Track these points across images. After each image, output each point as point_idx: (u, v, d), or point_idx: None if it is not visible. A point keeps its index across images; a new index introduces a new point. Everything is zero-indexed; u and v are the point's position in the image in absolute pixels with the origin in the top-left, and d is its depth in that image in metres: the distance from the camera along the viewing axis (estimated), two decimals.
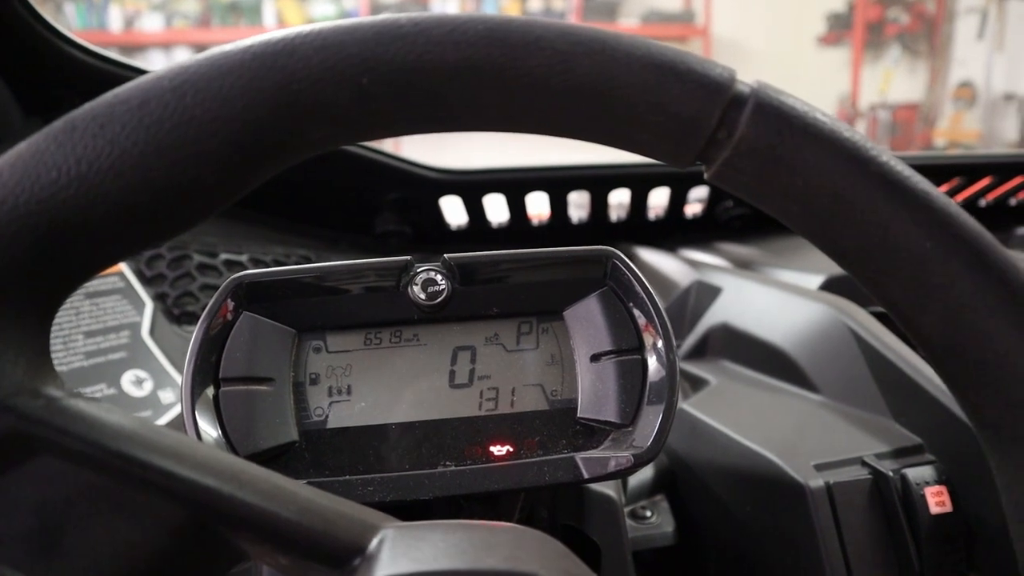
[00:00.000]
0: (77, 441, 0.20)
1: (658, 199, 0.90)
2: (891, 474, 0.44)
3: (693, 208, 0.93)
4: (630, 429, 0.37)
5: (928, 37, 4.83)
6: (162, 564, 0.20)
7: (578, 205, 0.90)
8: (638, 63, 0.22)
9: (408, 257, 0.37)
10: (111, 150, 0.20)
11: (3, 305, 0.20)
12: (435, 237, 0.88)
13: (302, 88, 0.21)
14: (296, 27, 0.22)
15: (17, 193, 0.20)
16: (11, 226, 0.19)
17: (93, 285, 0.63)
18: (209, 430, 0.34)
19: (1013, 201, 0.98)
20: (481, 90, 0.22)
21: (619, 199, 0.90)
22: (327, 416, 0.37)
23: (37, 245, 0.20)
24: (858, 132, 0.24)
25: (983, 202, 0.97)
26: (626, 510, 0.49)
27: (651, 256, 0.85)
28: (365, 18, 0.22)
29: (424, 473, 0.36)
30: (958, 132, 4.71)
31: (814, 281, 0.68)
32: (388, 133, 0.24)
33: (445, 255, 0.38)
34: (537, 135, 0.25)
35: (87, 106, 0.21)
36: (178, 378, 0.62)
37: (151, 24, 4.36)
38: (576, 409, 0.38)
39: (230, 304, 0.36)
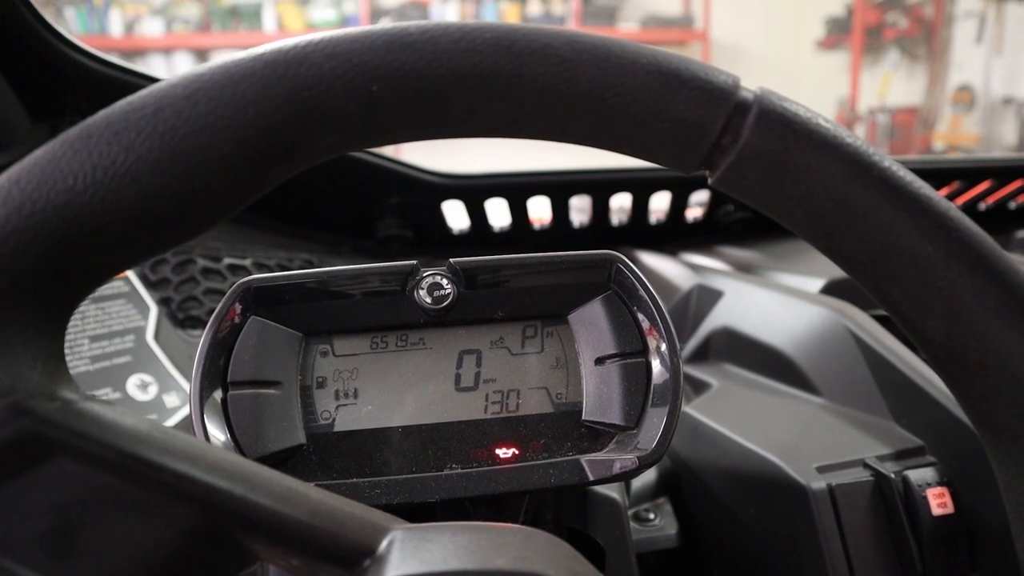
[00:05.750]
0: (92, 443, 0.20)
1: (659, 203, 0.91)
2: (893, 476, 0.44)
3: (694, 212, 0.94)
4: (635, 431, 0.37)
5: (927, 41, 4.83)
6: (175, 565, 0.21)
7: (579, 209, 0.90)
8: (643, 70, 0.23)
9: (414, 261, 0.38)
10: (126, 157, 0.20)
11: (20, 309, 0.20)
12: (437, 241, 0.88)
13: (313, 95, 0.22)
14: (307, 35, 0.22)
15: (35, 199, 0.20)
16: (28, 231, 0.20)
17: (98, 289, 0.64)
18: (217, 433, 0.34)
19: (1012, 204, 0.98)
20: (488, 97, 0.23)
21: (620, 203, 0.90)
22: (334, 419, 0.37)
23: (54, 250, 0.20)
24: (860, 138, 0.24)
25: (983, 205, 0.98)
26: (630, 513, 0.49)
27: (652, 260, 0.85)
28: (375, 26, 0.23)
29: (430, 476, 0.36)
30: (957, 135, 4.71)
31: (815, 284, 0.69)
32: (397, 139, 0.24)
33: (451, 259, 0.38)
34: (543, 141, 0.25)
35: (102, 113, 0.21)
36: (183, 382, 0.63)
37: (151, 29, 4.36)
38: (581, 412, 0.38)
39: (238, 308, 0.36)
